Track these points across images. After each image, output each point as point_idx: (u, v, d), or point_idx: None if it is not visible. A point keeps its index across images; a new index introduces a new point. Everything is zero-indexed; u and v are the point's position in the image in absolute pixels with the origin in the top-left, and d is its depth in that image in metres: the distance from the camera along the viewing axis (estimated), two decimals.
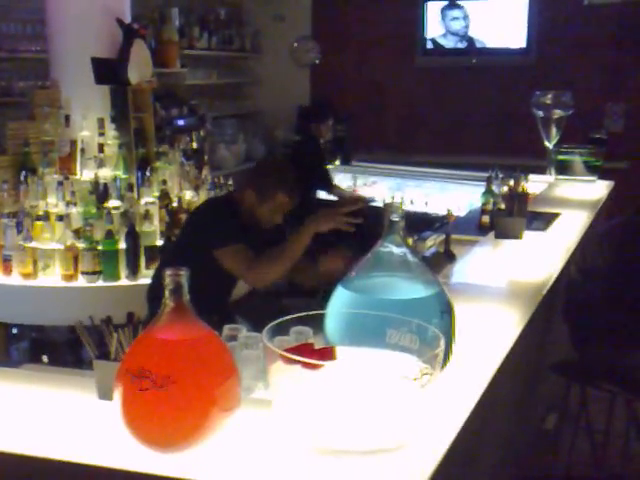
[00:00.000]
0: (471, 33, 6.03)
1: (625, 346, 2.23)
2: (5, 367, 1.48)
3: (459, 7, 6.00)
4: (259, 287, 2.49)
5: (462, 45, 6.05)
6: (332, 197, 4.60)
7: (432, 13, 6.07)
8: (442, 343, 1.05)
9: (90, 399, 1.22)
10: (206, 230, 2.48)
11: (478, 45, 6.02)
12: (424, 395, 1.01)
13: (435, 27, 6.10)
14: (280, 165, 2.69)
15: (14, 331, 3.11)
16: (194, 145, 4.16)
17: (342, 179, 5.03)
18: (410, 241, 2.22)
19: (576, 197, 3.48)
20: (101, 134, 3.31)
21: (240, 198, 2.53)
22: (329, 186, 4.58)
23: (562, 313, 2.42)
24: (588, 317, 2.30)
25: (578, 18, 5.55)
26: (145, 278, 2.96)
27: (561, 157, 3.92)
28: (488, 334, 1.59)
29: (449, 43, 6.08)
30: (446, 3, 5.99)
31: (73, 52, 3.32)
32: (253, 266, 2.38)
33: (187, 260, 2.47)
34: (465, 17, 6.00)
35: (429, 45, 6.11)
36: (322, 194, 4.62)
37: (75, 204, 3.08)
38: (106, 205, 3.10)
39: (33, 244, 2.97)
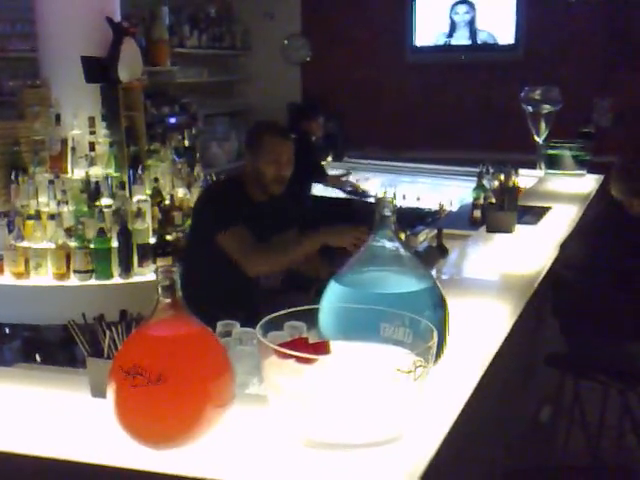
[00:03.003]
0: (462, 30, 6.04)
1: (615, 336, 2.25)
2: None
3: (467, 2, 5.99)
4: (253, 275, 2.42)
5: (450, 43, 6.06)
6: (328, 191, 4.61)
7: (420, 11, 6.08)
8: (435, 336, 1.06)
9: (83, 397, 1.22)
10: (208, 215, 2.47)
11: (468, 42, 6.04)
12: (418, 388, 1.02)
13: (425, 25, 6.11)
14: (263, 120, 2.68)
15: (6, 330, 3.10)
16: (186, 143, 4.15)
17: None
18: (402, 236, 2.23)
19: (566, 191, 3.50)
20: (92, 132, 3.30)
21: (244, 169, 2.51)
22: (324, 180, 4.60)
23: (552, 307, 2.44)
24: (577, 310, 2.32)
25: (566, 14, 5.58)
26: (138, 276, 2.95)
27: (550, 152, 3.95)
28: (481, 327, 1.60)
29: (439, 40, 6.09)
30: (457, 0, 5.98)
31: (63, 51, 3.31)
32: (252, 253, 2.34)
33: (201, 251, 2.49)
34: (467, 12, 5.98)
35: (418, 42, 6.12)
36: (318, 189, 4.63)
37: (66, 203, 3.07)
38: (98, 203, 3.09)
39: (25, 243, 2.96)
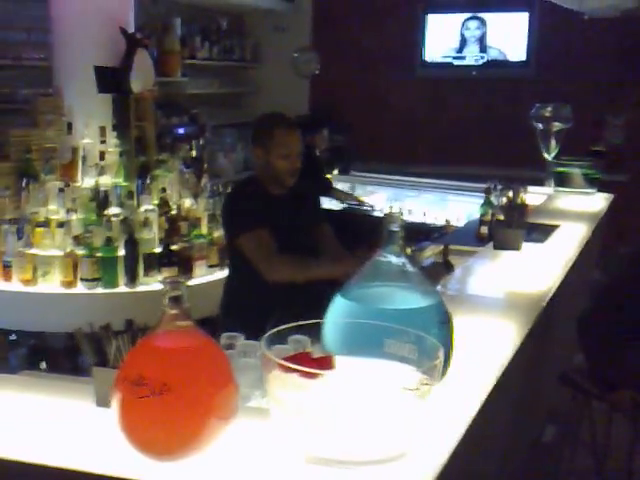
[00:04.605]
0: (473, 45, 6.07)
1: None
2: (3, 374, 1.48)
3: (478, 18, 6.03)
4: (270, 280, 2.37)
5: (461, 61, 6.08)
6: (333, 204, 4.62)
7: (431, 26, 6.11)
8: (441, 354, 1.05)
9: (88, 406, 1.22)
10: (229, 218, 2.48)
11: (478, 58, 6.06)
12: (423, 406, 1.01)
13: (435, 40, 6.13)
14: (269, 112, 2.65)
15: (12, 337, 3.11)
16: (194, 153, 4.17)
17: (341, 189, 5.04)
18: (409, 251, 2.22)
19: (575, 209, 3.49)
20: (102, 142, 3.32)
21: (255, 164, 2.51)
22: (329, 192, 4.61)
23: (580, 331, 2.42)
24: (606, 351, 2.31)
25: (578, 31, 5.59)
26: (143, 285, 2.96)
27: (560, 169, 3.94)
28: (487, 345, 1.59)
29: (449, 55, 6.11)
30: (467, 15, 6.01)
31: (76, 60, 3.34)
32: (271, 259, 2.33)
33: (234, 255, 2.48)
34: (478, 27, 6.01)
35: (428, 57, 6.14)
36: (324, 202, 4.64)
37: (76, 211, 3.09)
38: (106, 212, 3.11)
39: (33, 250, 2.98)
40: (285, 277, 2.35)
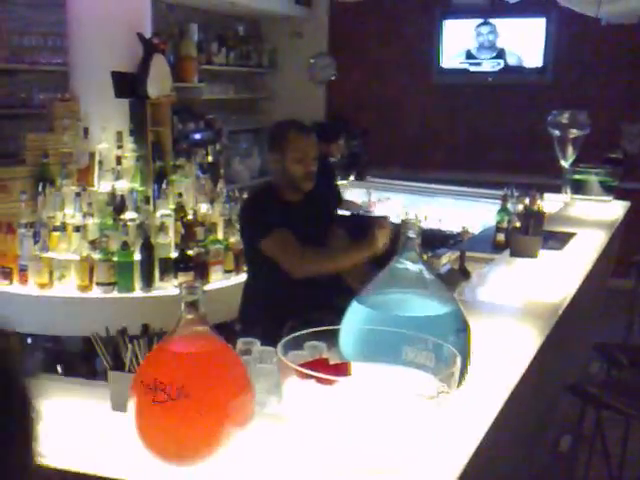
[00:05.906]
0: (489, 52, 6.05)
1: None
2: None
3: (488, 24, 6.01)
4: (299, 276, 2.35)
5: (477, 67, 6.06)
6: (343, 211, 4.60)
7: (447, 32, 6.10)
8: (458, 361, 1.04)
9: (104, 410, 1.22)
10: (249, 224, 2.49)
11: (494, 64, 6.03)
12: (440, 414, 1.00)
13: (452, 47, 6.12)
14: (282, 120, 2.64)
15: (28, 341, 3.12)
16: (210, 159, 4.18)
17: (356, 195, 5.04)
18: (425, 258, 2.21)
19: (592, 217, 3.45)
20: (119, 147, 3.34)
21: (272, 170, 2.52)
22: (339, 201, 4.59)
23: None
24: None
25: (595, 38, 5.55)
26: (159, 290, 2.97)
27: (577, 177, 3.91)
28: (504, 353, 1.58)
29: (464, 62, 6.10)
30: (481, 21, 5.98)
31: (93, 65, 3.36)
32: (297, 254, 2.33)
33: (254, 260, 2.50)
34: (491, 32, 5.99)
35: (445, 64, 6.13)
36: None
37: (92, 215, 3.11)
38: (122, 217, 3.12)
39: (49, 254, 2.99)
40: (314, 270, 2.35)
